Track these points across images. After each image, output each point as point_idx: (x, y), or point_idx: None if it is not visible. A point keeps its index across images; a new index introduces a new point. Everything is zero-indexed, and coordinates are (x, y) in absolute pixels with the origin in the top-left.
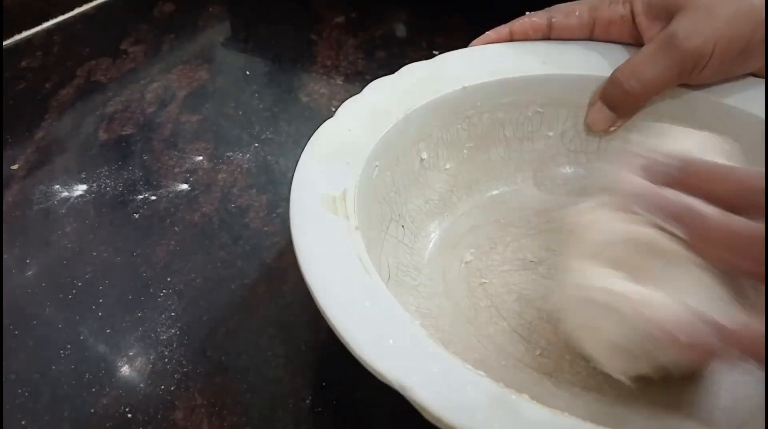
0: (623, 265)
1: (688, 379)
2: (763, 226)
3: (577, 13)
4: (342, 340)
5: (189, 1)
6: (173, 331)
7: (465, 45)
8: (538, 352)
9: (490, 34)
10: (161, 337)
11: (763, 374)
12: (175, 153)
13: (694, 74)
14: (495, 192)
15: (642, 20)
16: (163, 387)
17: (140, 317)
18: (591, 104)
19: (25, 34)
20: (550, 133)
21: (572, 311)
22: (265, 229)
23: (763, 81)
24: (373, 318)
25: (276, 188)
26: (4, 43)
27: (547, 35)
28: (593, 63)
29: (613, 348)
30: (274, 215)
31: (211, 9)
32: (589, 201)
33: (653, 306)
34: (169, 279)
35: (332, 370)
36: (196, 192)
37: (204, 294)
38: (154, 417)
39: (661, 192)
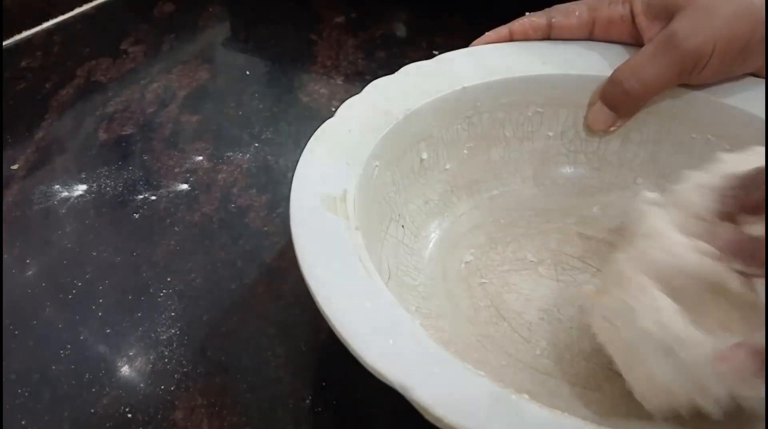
0: (687, 299)
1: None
2: None
3: (577, 13)
4: (342, 341)
5: (189, 1)
6: (173, 331)
7: (465, 45)
8: (538, 352)
9: (490, 34)
10: (161, 337)
11: None
12: (175, 153)
13: (694, 74)
14: (495, 192)
15: (641, 20)
16: (163, 387)
17: (140, 317)
18: (591, 104)
19: (25, 34)
20: (550, 133)
21: (623, 336)
22: (265, 229)
23: (763, 81)
24: (374, 318)
25: (276, 188)
26: (4, 43)
27: (547, 35)
28: (593, 63)
29: (659, 388)
30: (274, 215)
31: (211, 9)
32: (656, 205)
33: (716, 357)
34: (169, 279)
35: (332, 370)
36: (196, 192)
37: (204, 294)
38: (154, 417)
39: (739, 236)
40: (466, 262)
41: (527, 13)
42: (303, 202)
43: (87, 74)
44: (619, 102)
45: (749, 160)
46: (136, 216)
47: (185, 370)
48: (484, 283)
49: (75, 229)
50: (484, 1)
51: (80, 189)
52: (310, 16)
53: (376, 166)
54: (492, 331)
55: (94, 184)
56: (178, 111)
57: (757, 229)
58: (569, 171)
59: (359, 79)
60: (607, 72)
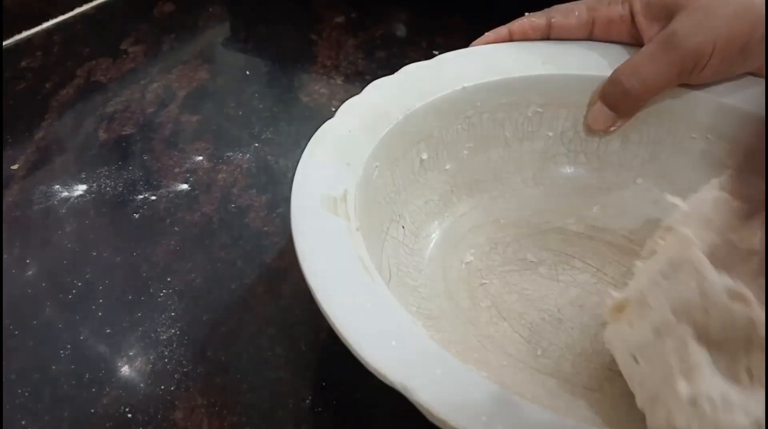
0: (714, 340)
1: None
2: None
3: (576, 13)
4: (344, 342)
5: (189, 1)
6: (173, 331)
7: (465, 45)
8: (539, 353)
9: (489, 34)
10: (161, 337)
11: None
12: (175, 153)
13: (694, 74)
14: (495, 192)
15: (641, 20)
16: (163, 387)
17: (140, 317)
18: (591, 104)
19: (25, 34)
20: (550, 133)
21: (649, 377)
22: (265, 229)
23: (762, 81)
24: (375, 319)
25: (276, 188)
26: (4, 43)
27: (547, 35)
28: (593, 63)
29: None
30: (274, 215)
31: (211, 9)
32: (684, 223)
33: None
34: (169, 279)
35: (332, 370)
36: (196, 192)
37: (204, 294)
38: (154, 417)
39: None
40: (467, 263)
41: (527, 14)
42: (303, 202)
43: (87, 74)
44: (619, 102)
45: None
46: (136, 216)
47: (185, 370)
48: (485, 283)
49: (75, 229)
50: (484, 1)
51: (80, 189)
52: (310, 16)
53: (377, 166)
54: (492, 331)
55: (94, 184)
56: (178, 111)
57: None
58: (569, 171)
59: (359, 79)
60: (607, 72)
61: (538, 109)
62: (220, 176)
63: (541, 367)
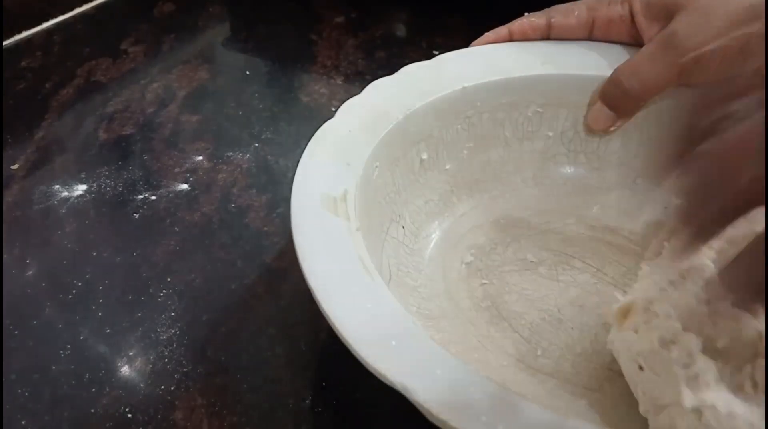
0: (721, 350)
1: None
2: None
3: (576, 13)
4: (345, 342)
5: (189, 1)
6: (173, 331)
7: (465, 45)
8: (538, 353)
9: (489, 34)
10: (161, 337)
11: None
12: (175, 153)
13: (694, 74)
14: (495, 192)
15: (641, 20)
16: (163, 387)
17: (140, 317)
18: (591, 104)
19: (25, 34)
20: (550, 133)
21: (655, 385)
22: (265, 229)
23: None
24: (376, 319)
25: (276, 188)
26: (4, 43)
27: (547, 35)
28: (593, 63)
29: None
30: (274, 215)
31: (211, 9)
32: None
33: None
34: (169, 279)
35: (332, 370)
36: (196, 192)
37: (204, 294)
38: (154, 417)
39: None
40: (467, 263)
41: (526, 14)
42: (303, 202)
43: (87, 74)
44: (619, 102)
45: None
46: (136, 216)
47: (185, 370)
48: (485, 283)
49: (75, 229)
50: (484, 1)
51: (80, 189)
52: (310, 16)
53: (377, 166)
54: (493, 331)
55: (94, 184)
56: (178, 111)
57: None
58: (569, 171)
59: (359, 79)
60: (607, 72)
61: (538, 109)
62: (220, 176)
63: (541, 367)
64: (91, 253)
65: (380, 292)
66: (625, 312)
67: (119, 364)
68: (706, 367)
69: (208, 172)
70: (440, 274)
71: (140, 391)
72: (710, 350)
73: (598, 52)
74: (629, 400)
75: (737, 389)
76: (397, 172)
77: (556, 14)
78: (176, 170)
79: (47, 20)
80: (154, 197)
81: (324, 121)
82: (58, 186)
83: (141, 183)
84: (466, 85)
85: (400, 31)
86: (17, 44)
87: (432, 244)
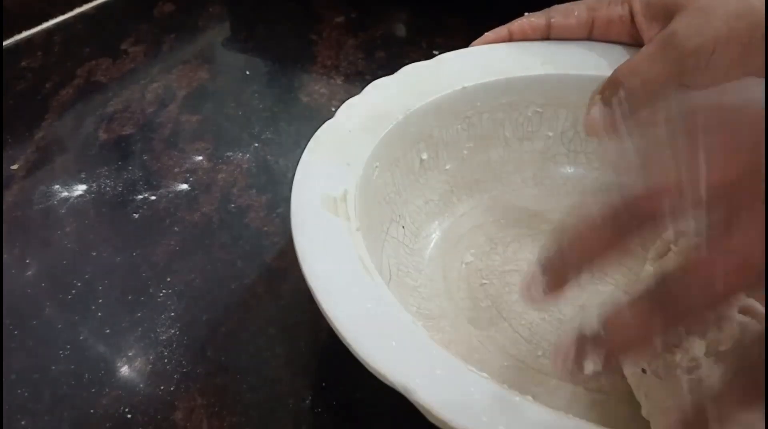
0: (723, 351)
1: None
2: None
3: (576, 13)
4: (345, 343)
5: (189, 1)
6: (173, 331)
7: (465, 45)
8: (539, 353)
9: (489, 34)
10: (161, 337)
11: None
12: (175, 153)
13: (694, 74)
14: (495, 192)
15: (641, 20)
16: (163, 387)
17: (140, 317)
18: (591, 104)
19: (25, 34)
20: (550, 133)
21: (659, 387)
22: (265, 229)
23: (762, 81)
24: (376, 320)
25: (276, 188)
26: (4, 43)
27: (546, 35)
28: (593, 63)
29: None
30: (274, 215)
31: (211, 9)
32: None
33: None
34: (169, 279)
35: (332, 370)
36: (196, 192)
37: (204, 294)
38: (154, 417)
39: None
40: (467, 263)
41: (526, 14)
42: (303, 202)
43: (87, 74)
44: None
45: None
46: (136, 216)
47: (185, 370)
48: (485, 283)
49: (75, 229)
50: (484, 1)
51: (80, 189)
52: (310, 16)
53: (377, 166)
54: (493, 331)
55: (94, 184)
56: (178, 111)
57: None
58: (569, 171)
59: (359, 79)
60: (606, 72)
61: (538, 109)
62: (220, 176)
63: (542, 367)
64: (91, 253)
65: (380, 292)
66: None
67: (119, 364)
68: (709, 371)
69: (208, 172)
70: (440, 274)
71: (140, 392)
72: (713, 354)
73: (597, 52)
74: (630, 400)
75: None
76: (397, 172)
77: (555, 14)
78: (176, 170)
79: (47, 20)
80: (154, 197)
81: (324, 121)
82: (58, 186)
83: (141, 183)
84: (466, 85)
85: (400, 31)
86: (17, 44)
87: (432, 244)
